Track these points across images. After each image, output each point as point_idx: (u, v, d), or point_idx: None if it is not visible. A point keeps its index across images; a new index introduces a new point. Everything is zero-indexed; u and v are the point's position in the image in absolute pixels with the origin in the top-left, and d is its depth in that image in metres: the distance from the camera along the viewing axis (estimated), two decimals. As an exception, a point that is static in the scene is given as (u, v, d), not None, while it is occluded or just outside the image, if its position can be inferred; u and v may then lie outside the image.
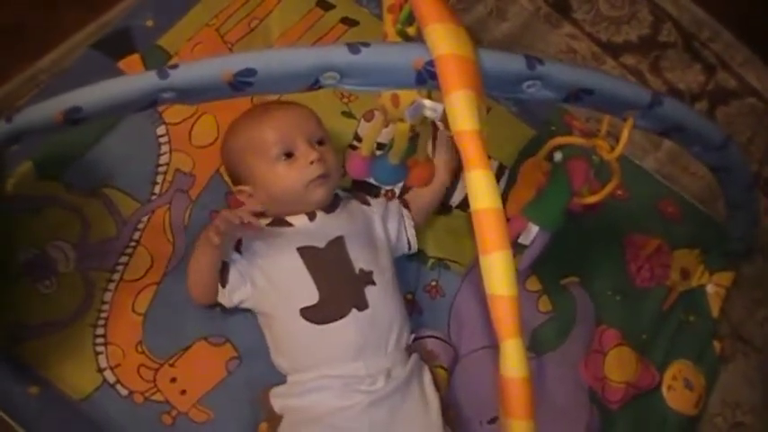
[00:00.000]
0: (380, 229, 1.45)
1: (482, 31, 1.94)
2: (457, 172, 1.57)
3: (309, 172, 1.37)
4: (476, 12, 1.97)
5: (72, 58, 1.61)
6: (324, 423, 1.27)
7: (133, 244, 1.44)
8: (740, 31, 2.06)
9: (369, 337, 1.31)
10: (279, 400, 1.33)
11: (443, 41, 0.95)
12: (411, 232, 1.49)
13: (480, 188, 0.89)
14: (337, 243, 1.36)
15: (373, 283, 1.34)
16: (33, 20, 1.68)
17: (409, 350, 1.38)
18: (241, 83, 0.94)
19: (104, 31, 1.63)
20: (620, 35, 2.02)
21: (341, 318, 1.30)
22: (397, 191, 1.57)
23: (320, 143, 1.41)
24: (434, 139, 1.60)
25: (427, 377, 1.37)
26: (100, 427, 1.32)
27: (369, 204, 1.48)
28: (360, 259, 1.36)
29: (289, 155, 1.38)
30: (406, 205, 1.51)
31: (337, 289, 1.32)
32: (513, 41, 1.95)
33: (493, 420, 1.44)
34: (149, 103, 0.96)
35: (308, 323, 1.30)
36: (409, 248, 1.50)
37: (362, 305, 1.31)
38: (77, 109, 0.95)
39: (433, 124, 1.56)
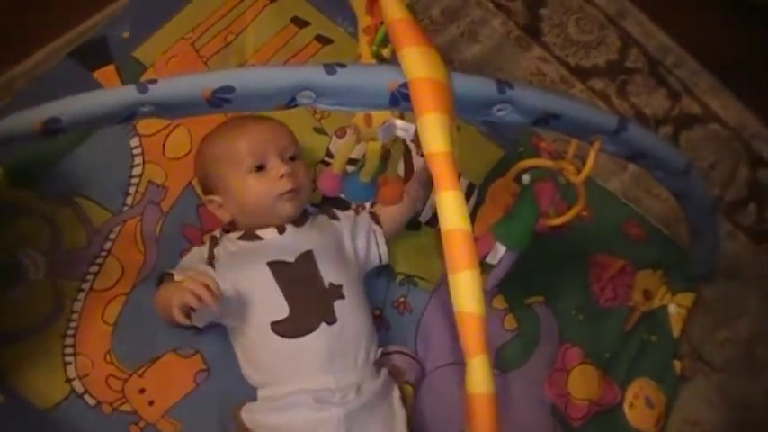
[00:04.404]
0: (349, 244, 1.47)
1: (453, 52, 1.96)
2: (427, 189, 1.59)
3: (279, 186, 1.39)
4: (448, 33, 1.99)
5: (48, 66, 1.61)
6: None
7: (104, 253, 1.44)
8: (704, 58, 2.11)
9: (338, 350, 1.32)
10: (253, 416, 1.33)
11: (418, 65, 0.98)
12: (382, 244, 1.51)
13: (450, 209, 0.91)
14: (307, 257, 1.37)
15: (342, 296, 1.36)
16: (7, 24, 1.68)
17: (378, 365, 1.39)
18: (219, 99, 0.96)
19: (80, 40, 1.63)
20: (589, 59, 2.06)
21: (310, 332, 1.31)
22: (368, 206, 1.58)
23: (292, 159, 1.43)
24: (406, 161, 1.63)
25: (396, 393, 1.39)
26: (67, 437, 1.32)
27: (337, 219, 1.50)
28: (329, 273, 1.37)
29: (260, 168, 1.40)
30: (377, 219, 1.52)
31: (307, 303, 1.34)
32: (484, 63, 1.97)
33: (458, 435, 1.46)
34: (128, 116, 0.97)
35: (278, 337, 1.31)
36: (380, 261, 1.52)
37: (331, 319, 1.33)
38: (56, 120, 0.95)
39: (406, 147, 1.60)
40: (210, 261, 1.40)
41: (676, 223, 1.82)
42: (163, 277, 1.40)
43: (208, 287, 1.25)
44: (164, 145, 1.56)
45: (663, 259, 1.79)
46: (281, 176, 1.39)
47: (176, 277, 1.35)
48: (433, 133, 0.94)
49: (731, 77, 2.08)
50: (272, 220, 1.41)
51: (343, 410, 1.29)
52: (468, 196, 1.65)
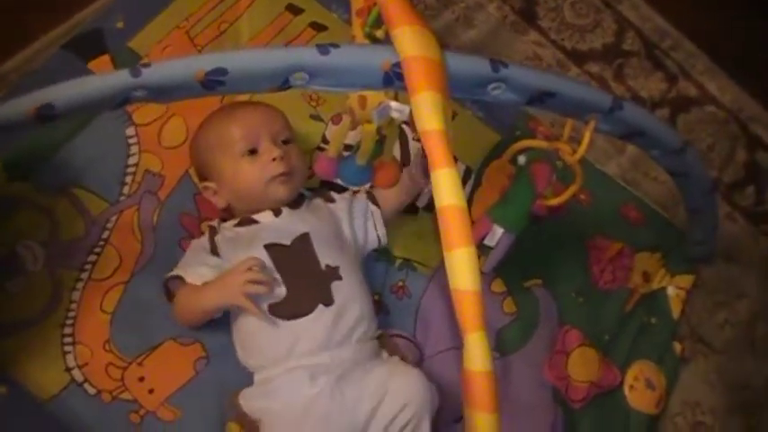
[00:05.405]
0: (347, 225, 1.47)
1: (449, 38, 1.96)
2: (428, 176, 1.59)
3: (271, 169, 1.39)
4: (443, 18, 1.99)
5: (42, 58, 1.61)
6: (306, 418, 1.29)
7: (102, 243, 1.44)
8: (700, 40, 2.11)
9: (335, 331, 1.32)
10: (250, 402, 1.34)
11: (411, 44, 0.98)
12: (380, 225, 1.51)
13: (445, 186, 0.92)
14: (303, 240, 1.38)
15: (339, 278, 1.36)
16: (2, 20, 1.68)
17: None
18: (212, 82, 0.96)
19: (75, 31, 1.63)
20: (585, 43, 2.06)
21: (308, 313, 1.31)
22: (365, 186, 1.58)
23: (285, 142, 1.43)
24: (402, 146, 1.63)
25: (384, 353, 1.40)
26: (67, 427, 1.32)
27: (333, 201, 1.50)
28: (326, 255, 1.37)
29: (253, 151, 1.40)
30: (374, 199, 1.52)
31: (304, 285, 1.34)
32: (480, 48, 1.97)
33: (458, 420, 1.46)
34: (121, 101, 0.98)
35: (276, 319, 1.31)
36: (379, 242, 1.51)
37: (329, 301, 1.33)
38: (50, 106, 0.96)
39: (402, 131, 1.60)
40: (214, 251, 1.40)
41: (675, 206, 1.82)
42: (168, 283, 1.40)
43: (252, 269, 1.29)
44: (159, 134, 1.56)
45: (661, 242, 1.79)
46: (273, 159, 1.39)
47: (188, 279, 1.36)
48: (427, 111, 0.94)
49: (727, 59, 2.09)
50: (266, 204, 1.42)
51: (333, 376, 1.29)
52: (464, 181, 1.65)
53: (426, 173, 1.50)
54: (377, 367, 1.34)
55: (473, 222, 1.33)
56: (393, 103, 1.10)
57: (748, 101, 2.08)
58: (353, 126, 1.24)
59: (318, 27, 1.75)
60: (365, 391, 1.30)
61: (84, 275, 1.42)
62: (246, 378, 1.37)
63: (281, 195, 1.41)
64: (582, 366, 1.60)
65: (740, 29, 2.14)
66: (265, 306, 1.32)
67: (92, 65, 1.57)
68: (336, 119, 1.64)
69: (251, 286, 1.29)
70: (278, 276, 1.34)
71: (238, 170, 1.39)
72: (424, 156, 1.10)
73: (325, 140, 1.63)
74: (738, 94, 2.08)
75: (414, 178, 1.49)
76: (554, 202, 1.37)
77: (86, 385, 1.35)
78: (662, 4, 2.14)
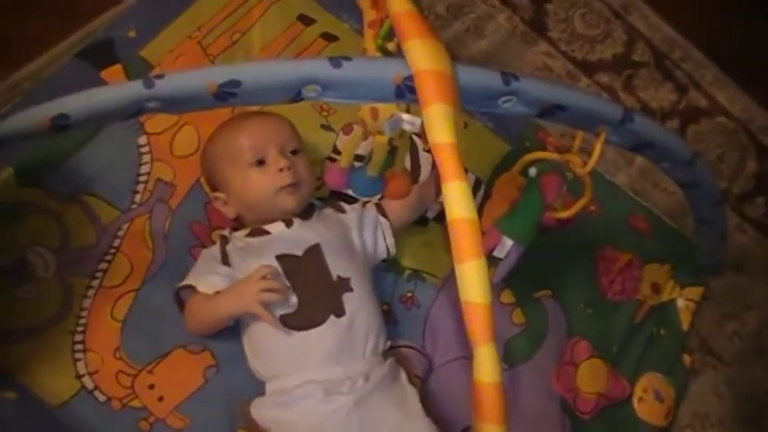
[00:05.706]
0: (357, 236, 1.47)
1: (459, 48, 1.96)
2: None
3: (279, 179, 1.40)
4: (453, 28, 2.00)
5: (55, 67, 1.62)
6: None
7: (113, 251, 1.45)
8: (710, 50, 2.11)
9: (346, 342, 1.32)
10: (262, 411, 1.34)
11: (422, 57, 0.99)
12: (389, 236, 1.51)
13: (456, 199, 0.92)
14: (314, 251, 1.38)
15: (351, 289, 1.36)
16: (16, 28, 1.69)
17: (386, 356, 1.40)
18: (225, 94, 0.96)
19: (88, 40, 1.64)
20: (595, 54, 2.06)
21: (319, 324, 1.32)
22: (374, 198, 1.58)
23: (294, 153, 1.44)
24: (413, 157, 1.63)
25: (403, 375, 1.39)
26: (77, 434, 1.32)
27: (344, 212, 1.50)
28: (337, 266, 1.37)
29: (261, 162, 1.41)
30: (383, 211, 1.52)
31: (316, 296, 1.34)
32: (490, 59, 1.98)
33: (466, 430, 1.46)
34: (134, 111, 0.98)
35: (287, 330, 1.32)
36: (388, 253, 1.52)
37: (340, 312, 1.33)
38: (64, 116, 0.96)
39: (412, 142, 1.61)
40: (225, 261, 1.41)
41: (684, 217, 1.82)
42: (180, 293, 1.40)
43: (266, 278, 1.30)
44: (171, 143, 1.56)
45: (670, 253, 1.79)
46: (281, 170, 1.39)
47: (200, 288, 1.37)
48: (439, 124, 0.95)
49: (737, 70, 2.09)
50: (275, 215, 1.42)
51: (352, 399, 1.29)
52: (474, 192, 1.66)
53: (438, 189, 1.52)
54: (393, 411, 1.33)
55: (483, 234, 1.33)
56: (405, 116, 1.10)
57: (758, 111, 2.08)
58: (365, 137, 1.24)
59: (330, 37, 1.76)
60: (383, 421, 1.31)
61: (95, 283, 1.42)
62: (256, 387, 1.37)
63: (289, 206, 1.41)
64: (590, 378, 1.59)
65: (750, 39, 2.14)
66: (277, 316, 1.32)
67: (104, 74, 1.58)
68: (348, 129, 1.65)
69: (266, 294, 1.29)
70: (290, 287, 1.34)
71: (246, 181, 1.40)
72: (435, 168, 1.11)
73: (335, 150, 1.64)
74: (748, 105, 2.08)
75: (423, 197, 1.50)
76: (564, 214, 1.37)
77: (97, 392, 1.35)
78: (672, 15, 2.14)
